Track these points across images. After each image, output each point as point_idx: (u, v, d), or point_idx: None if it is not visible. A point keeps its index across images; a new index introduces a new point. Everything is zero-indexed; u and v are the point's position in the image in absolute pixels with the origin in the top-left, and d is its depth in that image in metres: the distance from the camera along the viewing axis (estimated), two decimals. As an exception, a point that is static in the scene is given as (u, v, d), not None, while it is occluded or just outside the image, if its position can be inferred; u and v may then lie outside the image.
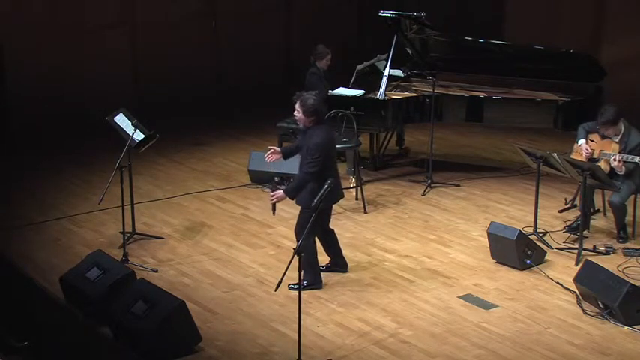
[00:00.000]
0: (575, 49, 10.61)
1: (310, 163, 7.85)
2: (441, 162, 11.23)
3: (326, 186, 7.13)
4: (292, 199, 8.06)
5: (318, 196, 7.08)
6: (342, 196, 8.26)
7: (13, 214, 9.91)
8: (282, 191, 7.98)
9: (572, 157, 9.11)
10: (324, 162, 7.86)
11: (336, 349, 7.22)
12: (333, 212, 8.39)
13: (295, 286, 7.54)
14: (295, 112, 7.99)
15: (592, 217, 9.56)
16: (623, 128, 8.99)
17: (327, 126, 8.12)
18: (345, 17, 14.94)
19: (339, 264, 8.50)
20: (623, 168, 8.83)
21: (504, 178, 11.05)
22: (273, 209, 8.17)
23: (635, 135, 8.95)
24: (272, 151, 8.35)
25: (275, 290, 6.95)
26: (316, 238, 8.18)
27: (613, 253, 8.86)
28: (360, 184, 10.19)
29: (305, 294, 7.69)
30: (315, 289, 8.14)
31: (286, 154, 8.45)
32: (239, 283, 8.35)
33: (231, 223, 9.69)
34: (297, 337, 6.83)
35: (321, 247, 8.37)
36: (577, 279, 7.91)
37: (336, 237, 8.46)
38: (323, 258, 8.41)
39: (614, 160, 8.81)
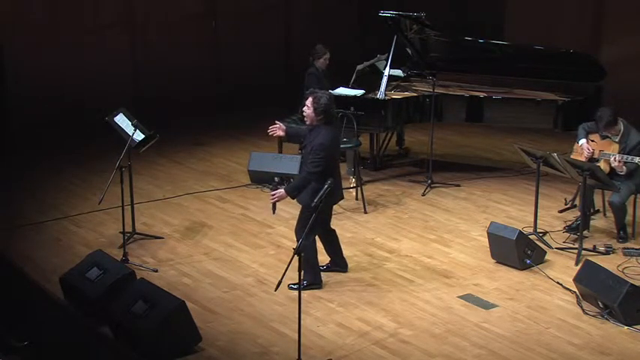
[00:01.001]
0: (575, 49, 10.62)
1: (313, 162, 7.84)
2: (441, 162, 11.23)
3: (326, 186, 7.13)
4: (293, 199, 8.05)
5: (319, 196, 7.08)
6: (342, 197, 8.26)
7: (13, 214, 9.91)
8: (282, 190, 7.97)
9: (572, 157, 9.11)
10: (327, 162, 7.86)
11: (336, 349, 7.22)
12: (333, 212, 8.39)
13: (295, 286, 7.54)
14: (305, 108, 7.98)
15: (592, 217, 9.56)
16: (622, 127, 8.99)
17: (333, 127, 8.12)
18: (345, 17, 14.94)
19: (338, 264, 8.50)
20: (624, 167, 8.83)
21: (504, 178, 11.05)
22: (274, 208, 8.15)
23: (634, 134, 8.95)
24: (278, 126, 8.30)
25: (275, 290, 6.95)
26: (317, 238, 8.18)
27: (613, 253, 8.87)
28: (360, 184, 10.19)
29: (305, 294, 7.69)
30: (315, 289, 8.14)
31: (289, 134, 8.41)
32: (239, 283, 8.35)
33: (231, 223, 9.69)
34: (297, 337, 6.83)
35: (322, 247, 8.37)
36: (577, 279, 7.91)
37: (337, 237, 8.46)
38: (323, 258, 8.41)
39: (615, 159, 8.80)
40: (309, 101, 7.94)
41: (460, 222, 9.71)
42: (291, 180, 8.63)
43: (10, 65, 12.12)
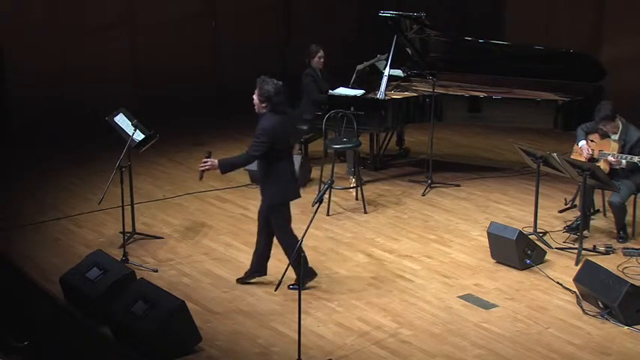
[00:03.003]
0: (575, 49, 10.62)
1: (254, 146, 7.69)
2: (441, 162, 11.23)
3: (326, 186, 7.13)
4: (223, 174, 7.96)
5: (318, 196, 7.07)
6: (298, 196, 8.01)
7: (13, 214, 9.91)
8: (216, 161, 7.75)
9: (572, 157, 9.11)
10: (269, 149, 7.67)
11: (336, 349, 7.22)
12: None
13: (295, 287, 7.53)
14: (254, 95, 7.88)
15: (592, 217, 9.56)
16: (620, 125, 8.99)
17: (281, 116, 7.83)
18: (345, 17, 14.94)
19: (258, 269, 8.21)
20: (623, 161, 8.80)
21: (504, 178, 11.05)
22: (201, 176, 7.91)
23: (633, 131, 8.96)
24: None
25: (275, 290, 6.96)
26: (292, 232, 7.97)
27: (613, 253, 8.86)
28: (360, 184, 10.19)
29: (305, 294, 7.68)
30: (309, 281, 8.08)
31: None
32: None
33: (230, 223, 9.69)
34: (297, 337, 6.83)
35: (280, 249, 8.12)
36: (577, 279, 7.91)
37: (272, 242, 8.14)
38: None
39: (611, 157, 8.82)
40: (257, 87, 7.86)
41: (460, 222, 9.71)
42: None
43: (10, 65, 12.13)
